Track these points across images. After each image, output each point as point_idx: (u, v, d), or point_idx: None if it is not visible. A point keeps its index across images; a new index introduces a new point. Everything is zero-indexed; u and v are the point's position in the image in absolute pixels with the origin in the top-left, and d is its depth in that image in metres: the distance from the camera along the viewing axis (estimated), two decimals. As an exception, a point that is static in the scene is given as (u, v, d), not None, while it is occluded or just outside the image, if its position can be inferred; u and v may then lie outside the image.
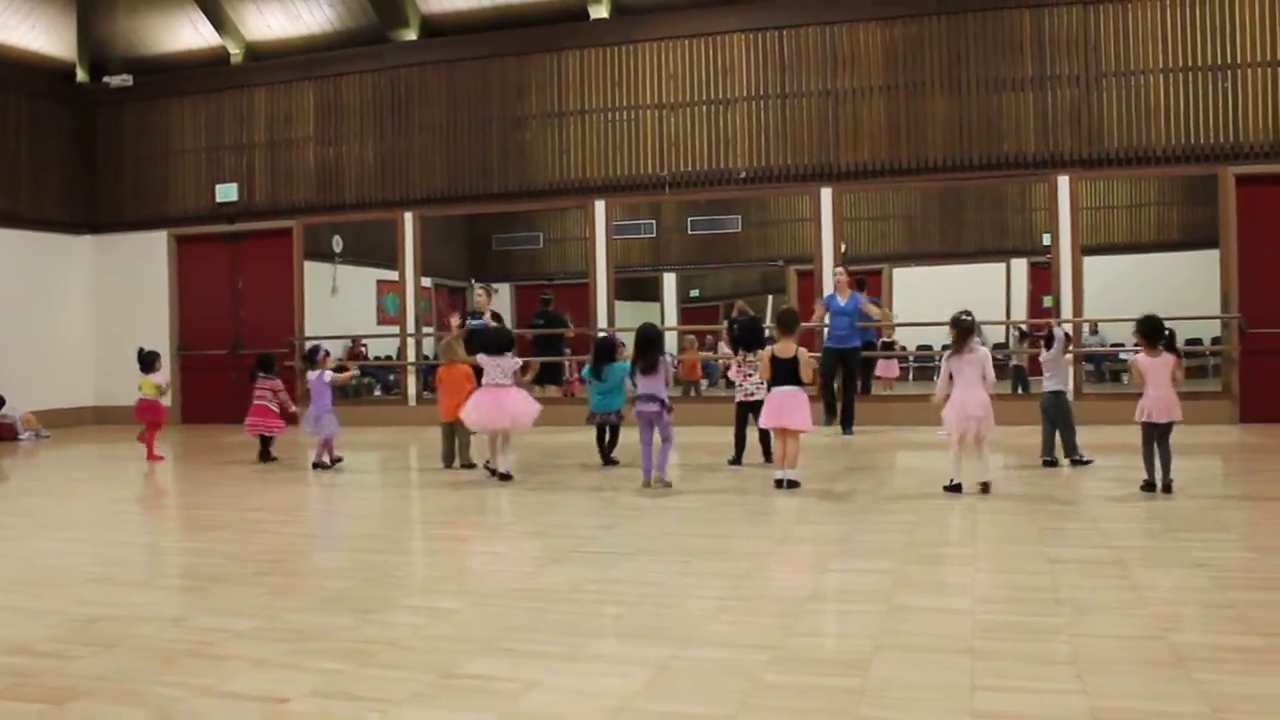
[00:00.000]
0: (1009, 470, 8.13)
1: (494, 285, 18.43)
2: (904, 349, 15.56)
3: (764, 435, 8.66)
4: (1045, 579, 4.72)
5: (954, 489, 7.06)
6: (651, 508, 7.04)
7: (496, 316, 11.39)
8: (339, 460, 9.51)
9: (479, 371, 8.50)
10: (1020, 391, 12.74)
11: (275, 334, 14.14)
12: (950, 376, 7.19)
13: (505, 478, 8.23)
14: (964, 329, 7.17)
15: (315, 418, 9.42)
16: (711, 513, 6.80)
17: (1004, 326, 14.74)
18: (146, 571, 5.71)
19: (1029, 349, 12.34)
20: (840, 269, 11.67)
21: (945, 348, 7.42)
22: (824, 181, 12.53)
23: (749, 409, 8.87)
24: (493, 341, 8.53)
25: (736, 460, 8.90)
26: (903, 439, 10.79)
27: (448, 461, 9.21)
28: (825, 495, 7.23)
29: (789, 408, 7.42)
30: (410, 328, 14.07)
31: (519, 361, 8.59)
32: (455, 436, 9.15)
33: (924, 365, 16.63)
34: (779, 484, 7.43)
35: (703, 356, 15.00)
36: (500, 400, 8.23)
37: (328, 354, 9.80)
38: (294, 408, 10.30)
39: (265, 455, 10.04)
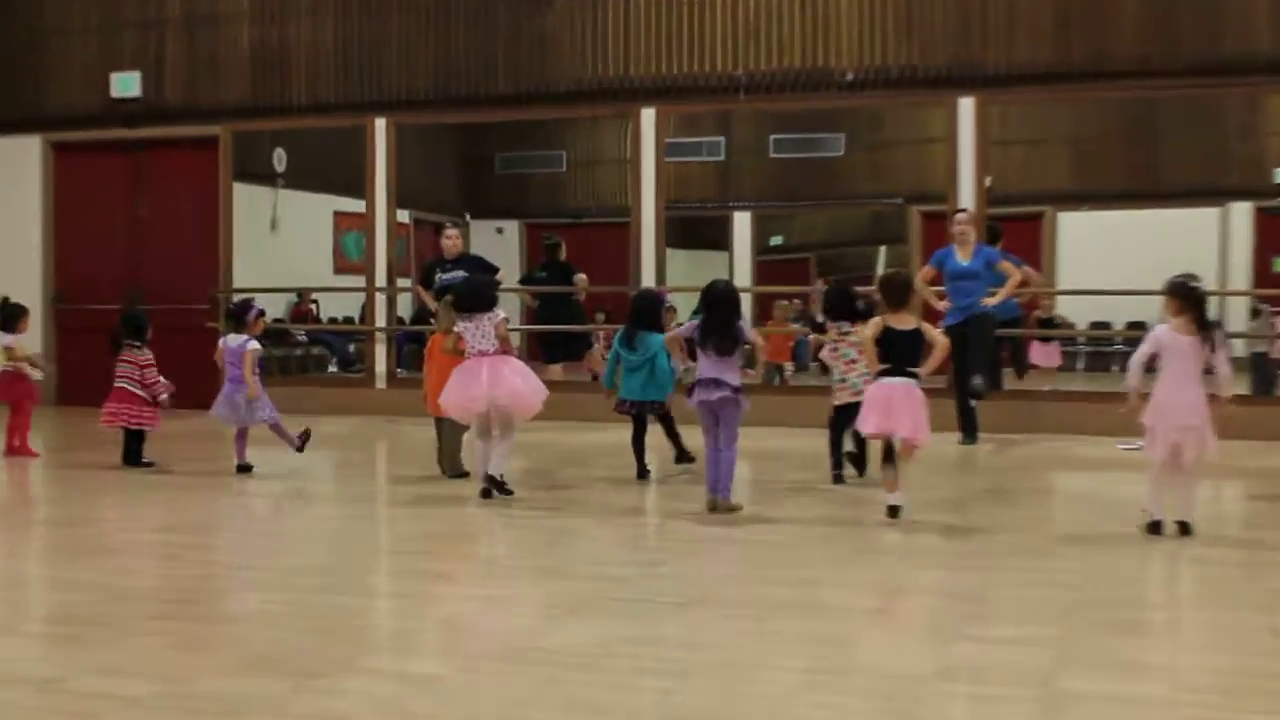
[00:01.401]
0: (1234, 504, 8.02)
1: (498, 225, 18.71)
2: (1072, 326, 15.43)
3: (859, 440, 8.55)
4: (1275, 661, 4.67)
5: (1154, 529, 6.92)
6: (712, 540, 7.04)
7: (481, 263, 11.37)
8: (248, 467, 9.36)
9: None
10: (1265, 392, 12.53)
11: (191, 283, 14.18)
12: (1149, 367, 7.01)
13: (503, 490, 8.12)
14: (1192, 300, 6.95)
15: (230, 398, 9.30)
16: (796, 551, 6.78)
17: (1219, 298, 14.54)
18: (4, 613, 5.72)
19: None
20: (964, 213, 11.49)
21: (1135, 326, 7.29)
22: (962, 89, 12.40)
23: (850, 414, 8.36)
24: (465, 299, 8.35)
25: (839, 477, 8.77)
26: (1065, 453, 10.72)
27: (446, 467, 9.15)
28: (953, 531, 7.19)
29: (902, 408, 7.26)
30: (380, 279, 14.10)
31: (501, 314, 8.33)
32: (444, 434, 9.09)
33: (1098, 350, 16.49)
34: (893, 512, 7.33)
35: (795, 331, 14.73)
36: (478, 372, 8.06)
37: (262, 314, 9.74)
38: (162, 395, 9.77)
39: (134, 457, 9.68)
